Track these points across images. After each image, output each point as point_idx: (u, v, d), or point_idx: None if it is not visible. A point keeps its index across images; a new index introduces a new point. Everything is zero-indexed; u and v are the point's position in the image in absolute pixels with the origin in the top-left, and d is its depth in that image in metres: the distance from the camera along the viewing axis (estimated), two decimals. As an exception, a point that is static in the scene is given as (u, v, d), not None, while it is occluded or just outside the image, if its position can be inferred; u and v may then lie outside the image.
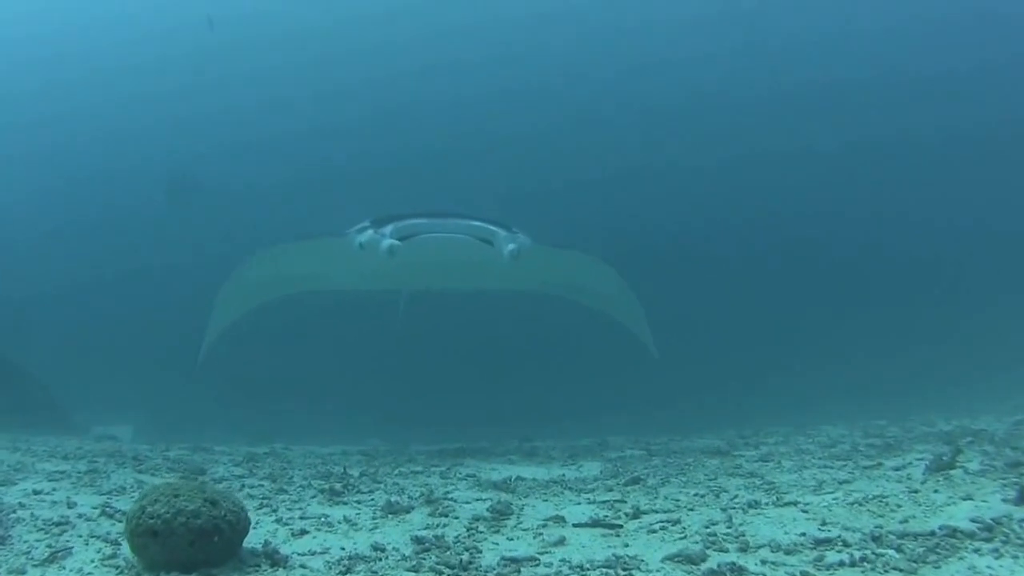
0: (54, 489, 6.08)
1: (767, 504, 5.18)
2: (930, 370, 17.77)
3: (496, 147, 29.64)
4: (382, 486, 6.61)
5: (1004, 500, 4.83)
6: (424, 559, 4.19)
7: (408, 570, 4.03)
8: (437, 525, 4.93)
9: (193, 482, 4.25)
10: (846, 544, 4.18)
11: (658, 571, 3.95)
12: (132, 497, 5.88)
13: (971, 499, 4.92)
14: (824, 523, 4.54)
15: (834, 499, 5.19)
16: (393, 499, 5.67)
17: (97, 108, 31.95)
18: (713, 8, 30.52)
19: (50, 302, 24.45)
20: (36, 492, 5.91)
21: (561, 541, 4.49)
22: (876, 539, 4.20)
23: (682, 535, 4.51)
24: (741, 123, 28.58)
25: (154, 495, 3.90)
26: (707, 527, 4.61)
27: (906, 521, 4.52)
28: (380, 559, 4.26)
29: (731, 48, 30.27)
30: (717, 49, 30.23)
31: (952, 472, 5.90)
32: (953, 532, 4.27)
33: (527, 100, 30.85)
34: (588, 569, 3.98)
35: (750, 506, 5.13)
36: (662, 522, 4.79)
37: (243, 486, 6.56)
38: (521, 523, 4.98)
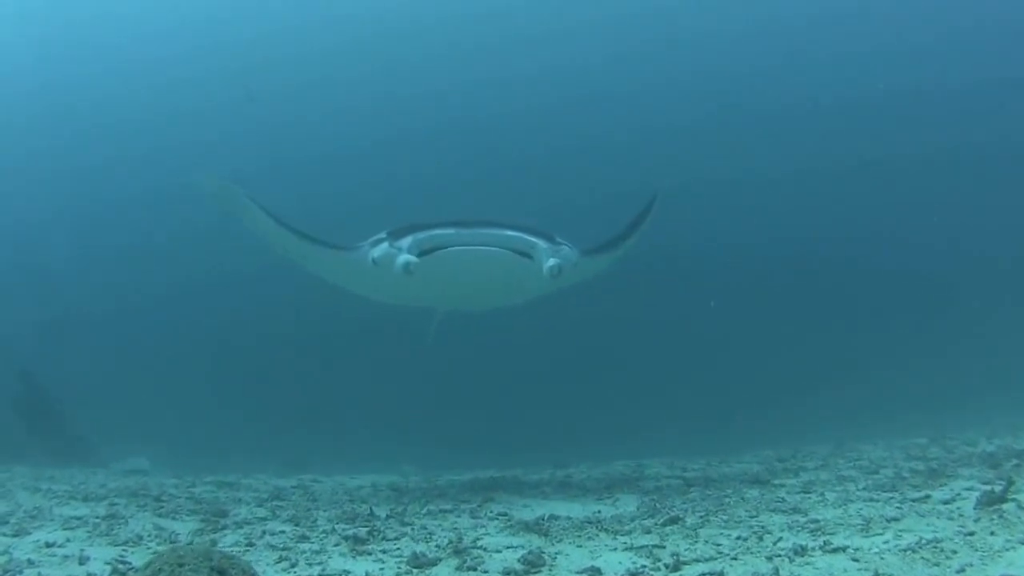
0: (68, 540, 5.87)
1: (814, 550, 4.86)
2: (964, 380, 17.63)
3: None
4: (409, 529, 6.33)
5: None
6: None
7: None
8: (465, 583, 4.65)
9: (202, 547, 3.99)
10: (902, 602, 3.89)
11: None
12: (147, 548, 5.69)
13: (1031, 543, 4.63)
14: (877, 575, 4.24)
15: (885, 543, 4.88)
16: (419, 550, 5.36)
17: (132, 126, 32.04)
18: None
19: (81, 324, 24.51)
20: (49, 545, 5.69)
21: (597, 602, 4.21)
22: (934, 595, 3.91)
23: (726, 592, 4.22)
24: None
25: (158, 564, 3.67)
26: (752, 582, 4.31)
27: (963, 571, 4.21)
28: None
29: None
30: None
31: (1005, 507, 5.60)
32: (1015, 584, 3.97)
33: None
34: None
35: (796, 553, 4.79)
36: (704, 575, 4.49)
37: (264, 532, 6.31)
38: (554, 577, 4.69)
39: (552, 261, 7.66)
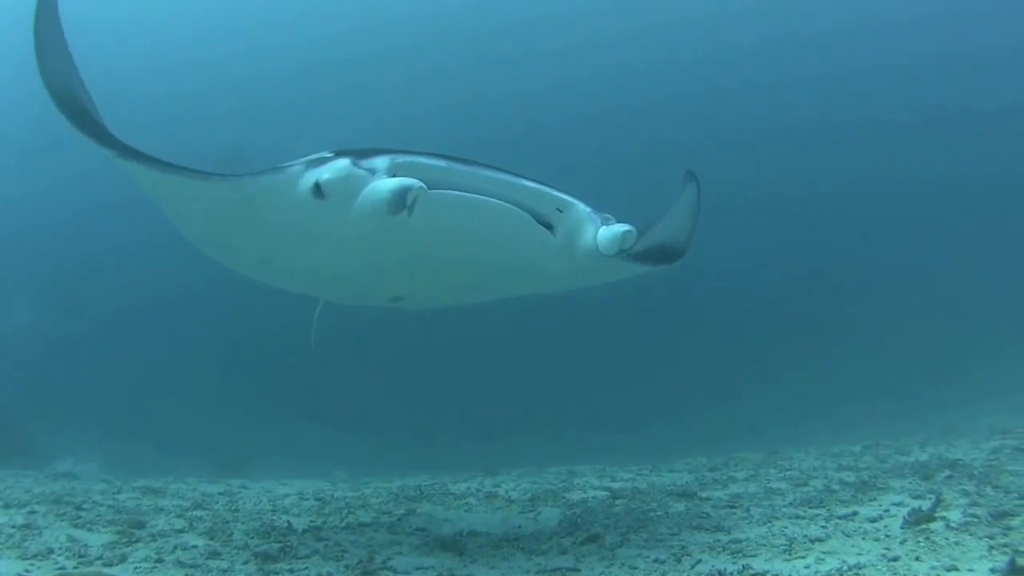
0: (-24, 553, 5.66)
1: (732, 575, 4.75)
2: (898, 377, 17.84)
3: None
4: (323, 546, 6.11)
5: (993, 572, 4.40)
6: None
7: None
8: (366, 612, 4.48)
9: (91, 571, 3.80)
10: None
11: None
12: (55, 563, 5.50)
13: (956, 570, 4.53)
14: (793, 605, 4.13)
15: (807, 568, 4.76)
16: (325, 571, 5.21)
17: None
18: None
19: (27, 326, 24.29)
20: (-44, 559, 5.49)
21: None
22: (853, 634, 3.79)
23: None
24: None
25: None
26: (664, 616, 4.18)
27: (882, 603, 4.12)
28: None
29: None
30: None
31: (932, 527, 5.52)
32: (940, 621, 3.85)
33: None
34: None
35: (713, 581, 4.70)
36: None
37: (176, 547, 6.06)
38: (460, 607, 4.54)
39: (623, 228, 4.91)
